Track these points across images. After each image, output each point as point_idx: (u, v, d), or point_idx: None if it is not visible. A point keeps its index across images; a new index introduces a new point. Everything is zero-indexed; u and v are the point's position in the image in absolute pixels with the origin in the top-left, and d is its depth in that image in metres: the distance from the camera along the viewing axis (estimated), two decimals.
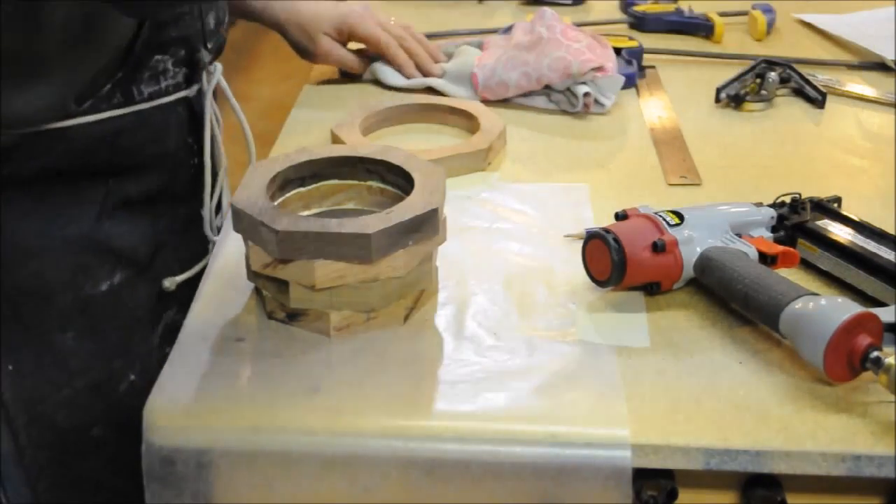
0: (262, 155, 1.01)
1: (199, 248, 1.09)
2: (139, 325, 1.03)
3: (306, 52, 1.32)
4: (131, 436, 1.03)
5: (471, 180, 1.10)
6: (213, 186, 1.07)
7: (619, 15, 1.65)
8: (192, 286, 1.06)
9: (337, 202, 0.93)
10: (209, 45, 1.02)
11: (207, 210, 1.06)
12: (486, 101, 1.28)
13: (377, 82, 1.36)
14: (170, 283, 1.04)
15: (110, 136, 0.94)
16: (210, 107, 1.04)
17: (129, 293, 1.01)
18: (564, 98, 1.26)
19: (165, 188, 1.02)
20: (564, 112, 1.27)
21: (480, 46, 1.38)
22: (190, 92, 1.01)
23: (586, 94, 1.24)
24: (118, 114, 0.94)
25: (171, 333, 1.04)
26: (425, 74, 1.33)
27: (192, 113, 1.03)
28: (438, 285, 0.90)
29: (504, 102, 1.30)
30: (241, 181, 0.86)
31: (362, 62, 1.36)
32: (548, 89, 1.27)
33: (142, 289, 1.03)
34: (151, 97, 0.96)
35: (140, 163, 0.99)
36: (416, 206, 0.82)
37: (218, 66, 1.03)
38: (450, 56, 1.37)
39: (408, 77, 1.33)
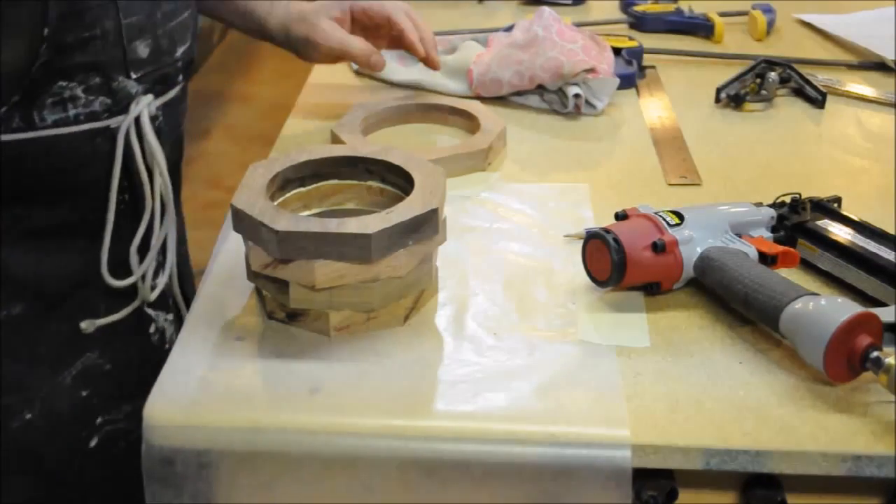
0: (263, 155, 1.00)
1: (134, 291, 1.03)
2: (42, 362, 0.97)
3: (308, 43, 1.18)
4: (23, 475, 0.96)
5: (471, 180, 1.10)
6: (136, 226, 0.99)
7: (619, 15, 1.65)
8: (122, 332, 1.01)
9: (337, 202, 0.93)
10: (134, 75, 0.94)
11: (104, 251, 0.97)
12: (480, 98, 1.29)
13: (372, 76, 1.36)
14: (87, 325, 0.99)
15: (11, 161, 0.89)
16: (124, 140, 0.95)
17: (32, 327, 0.96)
18: (556, 98, 1.27)
19: (84, 223, 0.97)
20: (562, 112, 1.27)
21: (486, 42, 1.39)
22: (113, 123, 0.94)
23: (577, 96, 1.24)
24: (17, 138, 0.88)
25: (91, 378, 0.99)
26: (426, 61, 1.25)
27: (126, 145, 0.95)
28: (438, 285, 0.90)
29: (502, 102, 1.30)
30: (241, 181, 0.86)
31: (370, 50, 1.20)
32: (541, 89, 1.27)
33: (51, 325, 0.97)
34: (57, 124, 0.90)
35: (49, 192, 0.93)
36: (416, 206, 0.82)
37: (143, 100, 0.95)
38: (454, 50, 1.37)
39: (417, 57, 1.24)
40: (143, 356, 1.00)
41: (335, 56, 1.20)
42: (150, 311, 1.05)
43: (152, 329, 1.05)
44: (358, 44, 1.19)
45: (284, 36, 1.19)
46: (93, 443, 1.01)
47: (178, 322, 1.08)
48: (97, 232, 0.97)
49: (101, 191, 0.96)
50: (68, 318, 0.98)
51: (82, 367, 0.99)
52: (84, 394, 0.99)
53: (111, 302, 1.01)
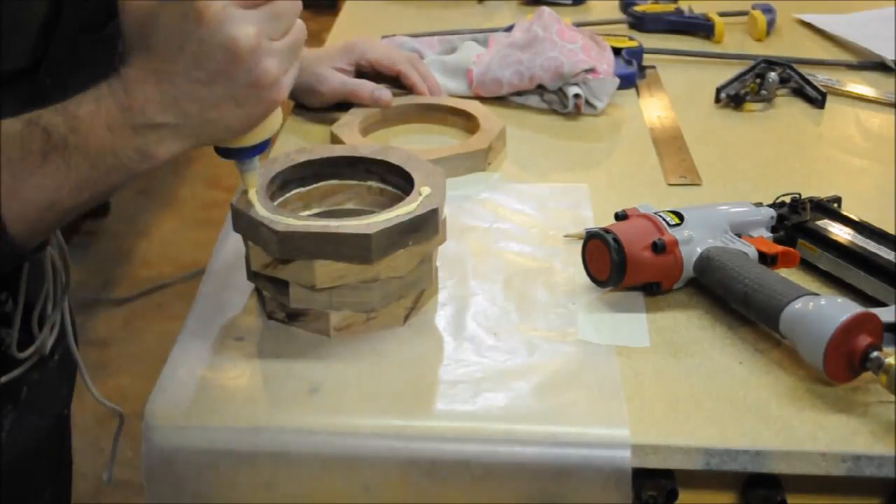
0: (263, 155, 0.99)
1: None
2: None
3: (313, 91, 1.21)
4: None
5: (471, 180, 1.10)
6: None
7: (619, 15, 1.64)
8: None
9: (337, 202, 0.93)
10: None
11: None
12: (480, 98, 1.29)
13: None
14: None
15: None
16: None
17: None
18: (556, 98, 1.27)
19: None
20: (562, 112, 1.26)
21: (486, 42, 1.38)
22: None
23: (577, 96, 1.24)
24: None
25: None
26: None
27: None
28: (438, 285, 0.90)
29: (502, 102, 1.30)
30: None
31: (373, 87, 1.22)
32: (541, 89, 1.27)
33: None
34: None
35: None
36: (415, 206, 0.82)
37: None
38: (454, 50, 1.37)
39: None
40: None
41: (336, 100, 1.23)
42: None
43: None
44: (362, 87, 1.21)
45: None
46: None
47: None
48: None
49: None
50: None
51: None
52: None
53: None
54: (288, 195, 0.90)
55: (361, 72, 1.25)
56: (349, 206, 0.93)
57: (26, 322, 0.93)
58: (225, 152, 0.79)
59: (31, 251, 0.73)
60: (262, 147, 0.79)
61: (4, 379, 0.90)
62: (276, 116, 0.77)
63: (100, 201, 0.73)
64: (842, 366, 0.75)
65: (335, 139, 1.15)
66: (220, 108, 0.70)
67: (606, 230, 0.87)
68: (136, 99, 0.69)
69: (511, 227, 1.01)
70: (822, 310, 0.77)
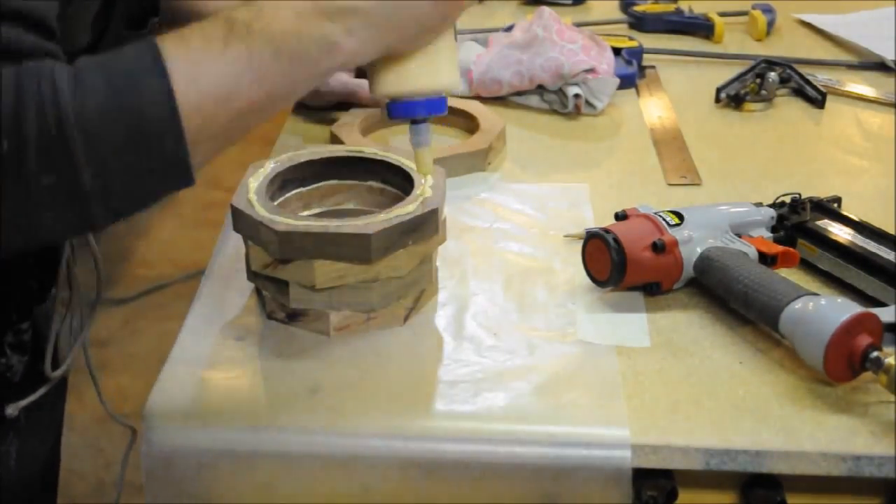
0: (263, 155, 0.99)
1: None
2: None
3: (314, 91, 1.13)
4: None
5: (471, 180, 1.10)
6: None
7: (619, 15, 1.65)
8: None
9: (337, 202, 0.93)
10: None
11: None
12: (480, 98, 1.29)
13: None
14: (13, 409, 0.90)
15: None
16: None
17: None
18: (556, 98, 1.27)
19: None
20: (562, 112, 1.26)
21: (486, 43, 1.38)
22: None
23: (577, 96, 1.24)
24: None
25: None
26: None
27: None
28: (438, 285, 0.90)
29: (502, 102, 1.30)
30: (241, 181, 0.86)
31: None
32: (541, 89, 1.28)
33: None
34: None
35: None
36: (416, 206, 0.82)
37: None
38: None
39: None
40: None
41: (337, 100, 1.21)
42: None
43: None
44: (363, 87, 1.19)
45: None
46: None
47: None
48: None
49: None
50: None
51: None
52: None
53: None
54: (288, 195, 0.90)
55: (362, 72, 1.25)
56: (349, 206, 0.93)
57: (37, 344, 0.92)
58: (398, 109, 0.77)
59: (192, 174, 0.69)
60: (438, 106, 0.78)
61: (33, 398, 0.89)
62: (453, 74, 0.76)
63: (276, 109, 0.71)
64: (842, 366, 0.75)
65: (335, 139, 1.15)
66: None
67: (606, 230, 0.87)
68: None
69: (511, 227, 1.01)
70: (822, 310, 0.77)
